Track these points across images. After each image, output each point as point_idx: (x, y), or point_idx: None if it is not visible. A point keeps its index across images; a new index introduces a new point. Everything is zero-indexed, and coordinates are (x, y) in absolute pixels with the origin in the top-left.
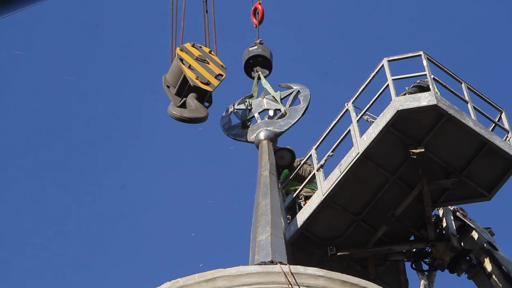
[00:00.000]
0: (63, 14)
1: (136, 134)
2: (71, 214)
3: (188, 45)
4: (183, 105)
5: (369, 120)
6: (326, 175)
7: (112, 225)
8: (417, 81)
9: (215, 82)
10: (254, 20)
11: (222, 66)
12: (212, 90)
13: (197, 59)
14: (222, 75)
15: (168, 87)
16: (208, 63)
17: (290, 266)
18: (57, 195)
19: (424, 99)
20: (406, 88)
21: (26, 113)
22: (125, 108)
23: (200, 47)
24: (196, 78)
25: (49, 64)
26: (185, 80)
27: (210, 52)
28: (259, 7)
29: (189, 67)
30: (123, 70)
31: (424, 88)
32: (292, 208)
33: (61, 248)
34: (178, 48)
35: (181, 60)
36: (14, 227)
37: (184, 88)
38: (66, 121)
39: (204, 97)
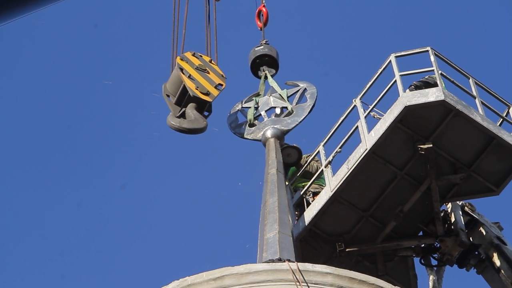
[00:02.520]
0: (63, 16)
1: (136, 134)
2: (71, 214)
3: (188, 54)
4: (183, 115)
5: (376, 116)
6: (334, 172)
7: (112, 225)
8: (425, 77)
9: (215, 92)
10: (258, 22)
11: (222, 76)
12: (211, 100)
13: (197, 68)
14: (222, 85)
15: (168, 96)
16: (208, 73)
17: (298, 263)
18: (57, 195)
19: (432, 95)
20: (414, 82)
21: (26, 113)
22: (125, 108)
23: (201, 56)
24: (196, 89)
25: (49, 64)
26: (184, 89)
27: (210, 61)
28: (263, 9)
29: (189, 77)
30: (124, 71)
31: (431, 85)
32: (301, 205)
33: (60, 248)
34: (178, 58)
35: (181, 69)
36: (14, 227)
37: (183, 97)
38: (66, 121)
39: (203, 107)
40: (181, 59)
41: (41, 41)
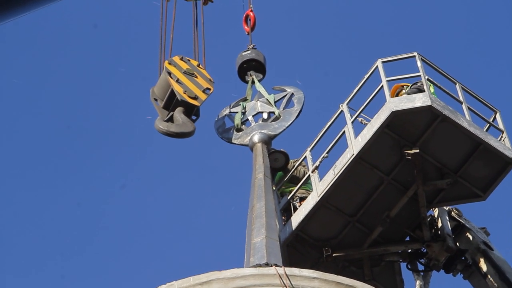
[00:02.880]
0: (63, 16)
1: (136, 135)
2: (71, 214)
3: (176, 58)
4: (171, 119)
5: (363, 122)
6: (321, 177)
7: (112, 225)
8: (418, 83)
9: (202, 96)
10: (246, 27)
11: (210, 80)
12: (199, 104)
13: (185, 72)
14: (210, 89)
15: (156, 100)
16: (196, 77)
17: (285, 268)
18: (57, 195)
19: (419, 100)
20: (404, 86)
21: (26, 113)
22: (125, 108)
23: (189, 60)
24: (184, 93)
25: (49, 64)
26: (172, 93)
27: (198, 65)
28: (251, 14)
29: (177, 81)
30: (123, 72)
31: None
32: (287, 210)
33: (60, 248)
34: (166, 62)
35: (169, 73)
36: (14, 227)
37: (171, 101)
38: (66, 121)
39: (191, 111)
40: (169, 63)
41: (41, 41)
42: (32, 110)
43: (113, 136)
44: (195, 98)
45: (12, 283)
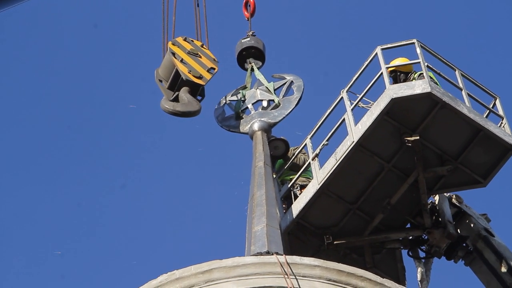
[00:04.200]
0: (63, 16)
1: (136, 134)
2: (71, 214)
3: (180, 39)
4: (176, 99)
5: (361, 106)
6: (321, 164)
7: (111, 225)
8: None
9: (207, 75)
10: (246, 13)
11: (214, 60)
12: (204, 83)
13: (189, 53)
14: (214, 69)
15: (161, 81)
16: (200, 57)
17: (286, 256)
18: (57, 195)
19: (418, 87)
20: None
21: (26, 113)
22: (125, 108)
23: (192, 41)
24: (189, 72)
25: (49, 64)
26: (177, 74)
27: (202, 45)
28: (251, 0)
29: (181, 61)
30: (125, 71)
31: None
32: (288, 197)
33: (59, 248)
34: (170, 42)
35: (173, 54)
36: (14, 227)
37: (176, 82)
38: (66, 121)
39: (196, 90)
40: (173, 44)
41: (41, 40)
42: (32, 109)
43: (113, 136)
44: (200, 77)
45: (12, 283)
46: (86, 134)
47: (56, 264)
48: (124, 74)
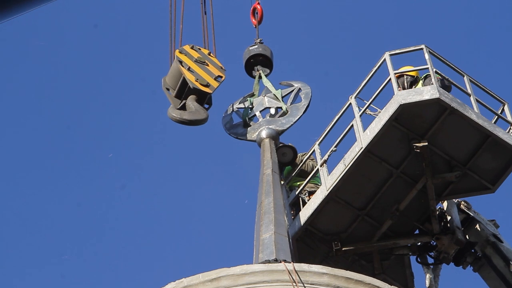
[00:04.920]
0: (63, 16)
1: (136, 135)
2: (71, 214)
3: (187, 47)
4: (183, 107)
5: (368, 112)
6: (329, 170)
7: (112, 225)
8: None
9: (214, 84)
10: (253, 20)
11: (221, 68)
12: (211, 92)
13: (196, 61)
14: (221, 77)
15: (168, 89)
16: (208, 65)
17: (294, 264)
18: (57, 195)
19: (427, 93)
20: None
21: (26, 113)
22: (125, 108)
23: (199, 49)
24: (196, 80)
25: (49, 64)
26: (184, 82)
27: (209, 53)
28: (258, 7)
29: (189, 69)
30: (125, 71)
31: (446, 87)
32: (296, 204)
33: (59, 248)
34: (177, 51)
35: (180, 62)
36: (14, 227)
37: (183, 90)
38: (66, 121)
39: (203, 99)
40: (180, 52)
41: (41, 41)
42: (32, 110)
43: (113, 136)
44: (207, 85)
45: (12, 283)
46: (86, 134)
47: (56, 264)
48: (124, 74)
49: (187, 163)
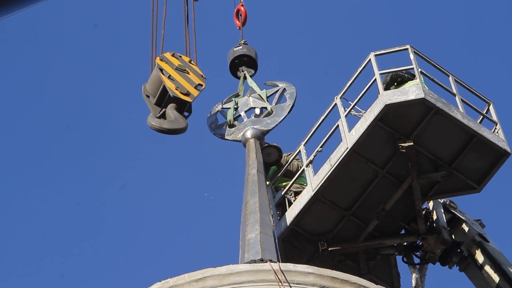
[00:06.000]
0: (63, 16)
1: (136, 134)
2: (71, 214)
3: (168, 55)
4: (163, 116)
5: (353, 113)
6: (315, 171)
7: (111, 225)
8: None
9: (194, 92)
10: (237, 22)
11: (202, 76)
12: (191, 100)
13: (176, 69)
14: (202, 85)
15: (148, 96)
16: (188, 73)
17: (280, 263)
18: (57, 195)
19: (412, 93)
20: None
21: (26, 113)
22: (125, 108)
23: (180, 56)
24: (176, 89)
25: (49, 64)
26: (164, 90)
27: (190, 61)
28: (242, 9)
29: (169, 77)
30: (125, 71)
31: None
32: (282, 204)
33: (59, 248)
34: (158, 58)
35: (161, 70)
36: (14, 227)
37: (163, 98)
38: (65, 121)
39: (184, 107)
40: (161, 60)
41: (41, 41)
42: (32, 110)
43: (113, 136)
44: (187, 94)
45: (12, 283)
46: (86, 134)
47: (56, 264)
48: (124, 74)
49: (191, 161)
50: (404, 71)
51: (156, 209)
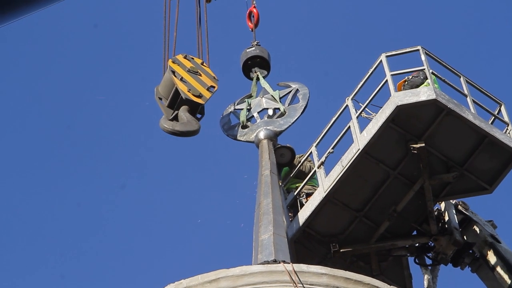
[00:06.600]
0: (63, 16)
1: (136, 134)
2: (71, 214)
3: (180, 57)
4: (175, 118)
5: (364, 116)
6: (327, 172)
7: (112, 225)
8: (411, 77)
9: (207, 94)
10: (249, 23)
11: (214, 78)
12: (204, 102)
13: (189, 71)
14: (214, 87)
15: (160, 99)
16: (200, 75)
17: (293, 264)
18: (57, 195)
19: (424, 94)
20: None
21: (26, 113)
22: (125, 108)
23: (192, 58)
24: (188, 91)
25: (49, 64)
26: (177, 92)
27: (202, 63)
28: (254, 10)
29: (181, 79)
30: (125, 71)
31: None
32: (294, 206)
33: (59, 248)
34: (170, 60)
35: (173, 72)
36: (14, 227)
37: (176, 100)
38: (66, 121)
39: (196, 109)
40: (173, 62)
41: (41, 41)
42: (32, 110)
43: (113, 136)
44: (200, 96)
45: (12, 283)
46: (86, 134)
47: (56, 264)
48: (124, 74)
49: (191, 161)
50: (421, 74)
51: (161, 209)
